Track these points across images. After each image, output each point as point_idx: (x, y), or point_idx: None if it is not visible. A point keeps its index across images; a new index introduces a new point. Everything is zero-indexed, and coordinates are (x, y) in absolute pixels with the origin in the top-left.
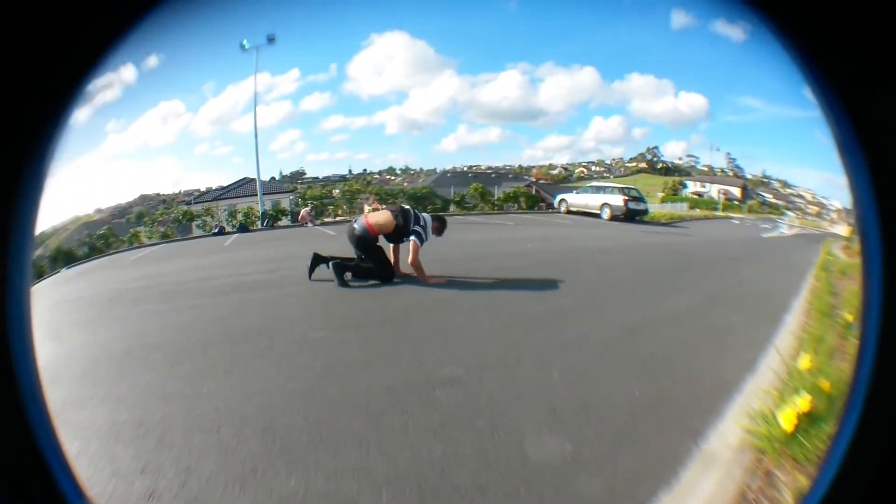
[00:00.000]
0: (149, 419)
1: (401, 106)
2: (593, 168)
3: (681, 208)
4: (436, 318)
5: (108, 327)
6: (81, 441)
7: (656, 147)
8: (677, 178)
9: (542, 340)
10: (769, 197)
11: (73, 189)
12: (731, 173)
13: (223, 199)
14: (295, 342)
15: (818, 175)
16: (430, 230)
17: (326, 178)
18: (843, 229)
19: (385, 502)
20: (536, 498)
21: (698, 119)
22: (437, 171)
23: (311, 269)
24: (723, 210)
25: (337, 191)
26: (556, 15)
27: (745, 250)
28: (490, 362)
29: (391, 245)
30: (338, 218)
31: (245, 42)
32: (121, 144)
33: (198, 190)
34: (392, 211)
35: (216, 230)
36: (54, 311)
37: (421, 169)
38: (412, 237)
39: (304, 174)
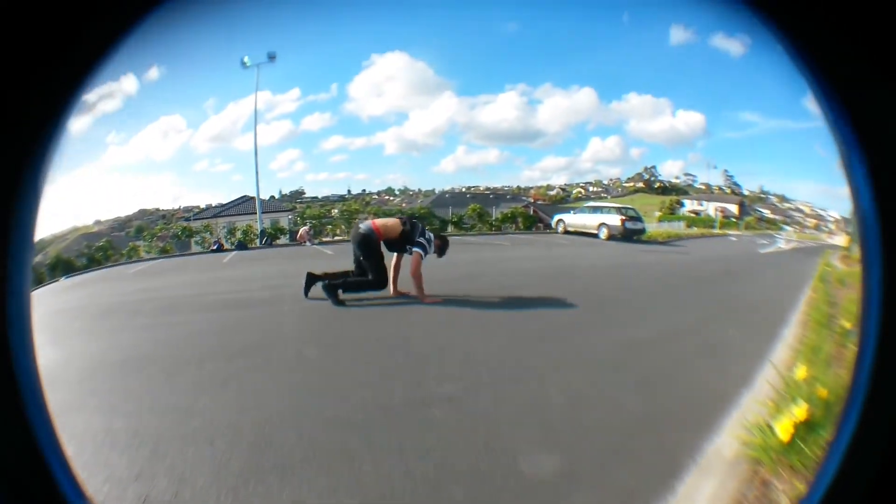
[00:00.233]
0: (143, 429)
1: (400, 127)
2: (591, 188)
3: (678, 227)
4: (432, 336)
5: (105, 338)
6: (76, 446)
7: (654, 167)
8: (674, 197)
9: (540, 358)
10: (767, 213)
11: (73, 198)
12: (728, 190)
13: (222, 216)
14: (290, 359)
15: (816, 187)
16: (432, 247)
17: (325, 198)
18: (841, 239)
19: None
20: None
21: (696, 137)
22: (436, 191)
23: (307, 287)
24: (720, 227)
25: (336, 211)
26: (554, 36)
27: (742, 267)
28: (486, 380)
29: (393, 257)
30: (336, 237)
31: (246, 59)
32: (121, 156)
33: (197, 206)
34: (400, 219)
35: (214, 247)
36: (53, 318)
37: (419, 190)
38: (416, 248)
39: (304, 193)
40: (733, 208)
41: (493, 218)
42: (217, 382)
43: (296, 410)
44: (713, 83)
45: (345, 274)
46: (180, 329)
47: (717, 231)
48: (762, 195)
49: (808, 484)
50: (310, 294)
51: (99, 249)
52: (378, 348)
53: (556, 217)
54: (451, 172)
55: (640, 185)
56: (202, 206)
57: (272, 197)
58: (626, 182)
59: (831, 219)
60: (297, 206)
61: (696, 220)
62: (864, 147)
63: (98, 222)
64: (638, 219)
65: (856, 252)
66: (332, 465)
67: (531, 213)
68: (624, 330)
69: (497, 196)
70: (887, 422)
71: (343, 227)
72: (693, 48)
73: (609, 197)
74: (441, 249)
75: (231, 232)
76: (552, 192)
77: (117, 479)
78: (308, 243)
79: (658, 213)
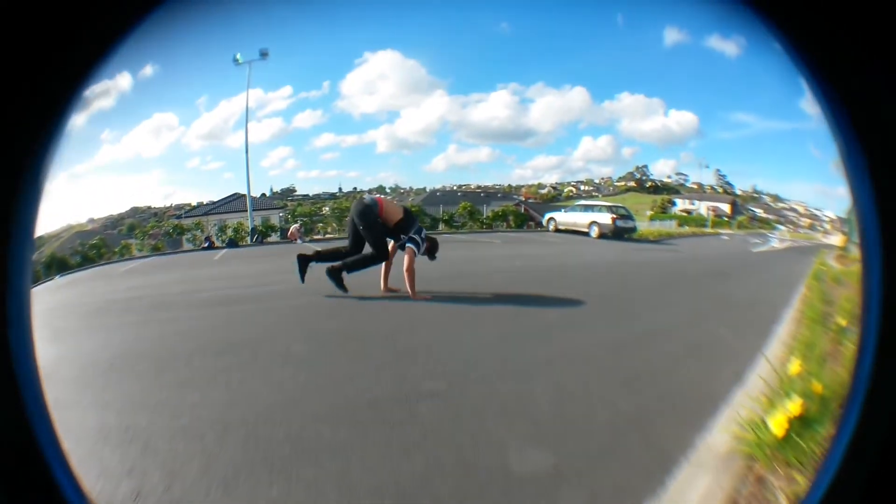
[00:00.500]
0: (135, 424)
1: (392, 125)
2: (582, 187)
3: (670, 226)
4: (421, 333)
5: (96, 335)
6: (70, 442)
7: (645, 166)
8: (666, 196)
9: (528, 355)
10: (760, 212)
11: (67, 197)
12: (720, 190)
13: (214, 213)
14: (278, 355)
15: (811, 187)
16: (424, 246)
17: (316, 196)
18: (836, 239)
19: None
20: None
21: (688, 137)
22: (427, 189)
23: (301, 271)
24: (712, 227)
25: (327, 208)
26: (547, 35)
27: (733, 265)
28: (474, 377)
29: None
30: (327, 235)
31: (238, 56)
32: (114, 154)
33: (189, 204)
34: (403, 206)
35: (206, 244)
36: (48, 316)
37: (410, 188)
38: (409, 244)
39: (295, 191)
40: (725, 207)
41: (484, 216)
42: (206, 378)
43: (284, 405)
44: (707, 83)
45: (337, 251)
46: (171, 326)
47: (709, 230)
48: (755, 195)
49: (808, 482)
50: (304, 285)
51: (92, 248)
52: (367, 345)
53: (548, 215)
54: (442, 171)
55: (632, 184)
56: (193, 203)
57: (263, 194)
58: (617, 181)
59: (826, 218)
60: (289, 203)
61: (688, 219)
62: (863, 146)
63: (92, 220)
64: (629, 217)
65: (852, 251)
66: (320, 459)
67: (522, 211)
68: (615, 327)
69: (488, 194)
70: (887, 420)
71: (334, 224)
72: (687, 48)
73: (600, 196)
74: (431, 252)
75: (222, 229)
76: (543, 191)
77: (110, 473)
78: (299, 241)
79: (650, 212)
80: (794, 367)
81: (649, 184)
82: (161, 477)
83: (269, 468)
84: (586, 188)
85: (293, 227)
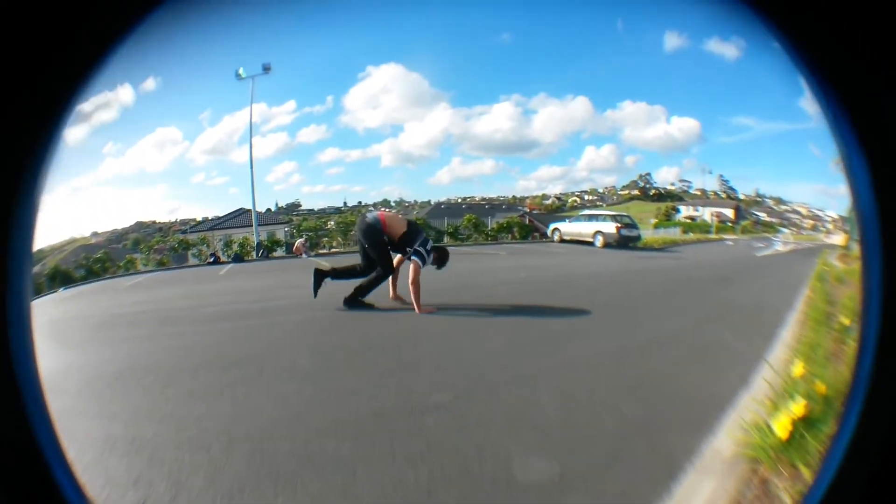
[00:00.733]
0: (141, 436)
1: (396, 139)
2: (586, 197)
3: (674, 233)
4: (426, 345)
5: (103, 348)
6: (76, 451)
7: (648, 174)
8: (670, 204)
9: (533, 365)
10: (763, 216)
11: (70, 209)
12: (724, 195)
13: (219, 228)
14: (284, 369)
15: (813, 188)
16: (431, 257)
17: (322, 210)
18: (839, 238)
19: None
20: None
21: (691, 143)
22: (432, 202)
23: (316, 286)
24: (716, 232)
25: (332, 223)
26: (549, 46)
27: (738, 270)
28: (479, 387)
29: (395, 259)
30: (332, 250)
31: (241, 71)
32: (118, 168)
33: (194, 219)
34: (407, 219)
35: (211, 259)
36: (53, 328)
37: (415, 201)
38: (414, 257)
39: (300, 206)
40: (729, 213)
41: (489, 228)
42: (212, 392)
43: (289, 419)
44: (707, 87)
45: (352, 268)
46: (176, 340)
47: (713, 236)
48: (758, 198)
49: (809, 481)
50: (310, 300)
51: (97, 261)
52: (372, 358)
53: (552, 226)
54: (446, 183)
55: (636, 192)
56: (199, 218)
57: (268, 209)
58: (621, 190)
59: (828, 218)
60: (294, 218)
61: (692, 225)
62: (864, 146)
63: (95, 234)
64: (633, 226)
65: (854, 250)
66: (325, 472)
67: (527, 222)
68: (619, 335)
69: (493, 206)
70: (888, 419)
71: (339, 239)
72: (687, 54)
73: (604, 205)
74: (441, 261)
75: (227, 244)
76: (548, 202)
77: (116, 483)
78: (304, 255)
79: (654, 220)
80: (798, 368)
81: (653, 192)
82: (167, 487)
83: (275, 480)
84: (590, 198)
85: (298, 242)
